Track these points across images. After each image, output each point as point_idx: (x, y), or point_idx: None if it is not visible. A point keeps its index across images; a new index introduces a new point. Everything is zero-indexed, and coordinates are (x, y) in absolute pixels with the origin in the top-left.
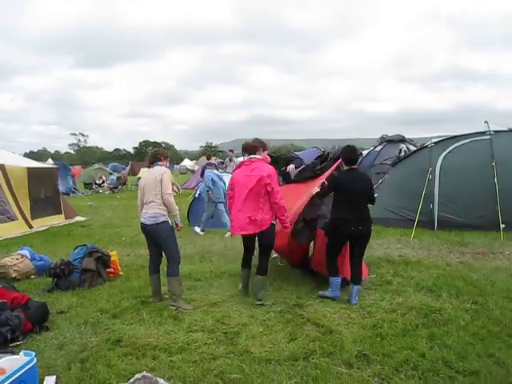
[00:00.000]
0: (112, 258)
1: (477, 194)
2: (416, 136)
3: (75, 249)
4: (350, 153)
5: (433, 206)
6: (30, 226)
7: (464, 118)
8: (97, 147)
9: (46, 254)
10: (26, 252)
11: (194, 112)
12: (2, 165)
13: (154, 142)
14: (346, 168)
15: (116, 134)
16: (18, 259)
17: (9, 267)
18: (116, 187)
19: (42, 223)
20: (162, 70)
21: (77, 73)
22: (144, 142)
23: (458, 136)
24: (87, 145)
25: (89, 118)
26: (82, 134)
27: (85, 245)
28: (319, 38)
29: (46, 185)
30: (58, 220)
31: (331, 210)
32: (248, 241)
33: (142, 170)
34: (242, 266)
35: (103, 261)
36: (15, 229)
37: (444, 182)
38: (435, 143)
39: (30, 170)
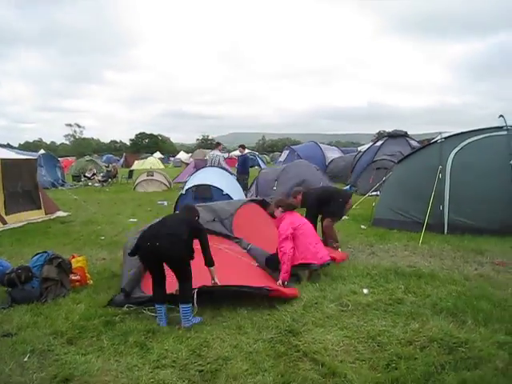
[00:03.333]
0: (79, 264)
1: (492, 194)
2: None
3: (34, 256)
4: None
5: (443, 207)
6: (4, 222)
7: (374, 115)
8: (92, 138)
9: (13, 256)
10: None
11: (109, 108)
12: None
13: (151, 134)
14: None
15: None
16: None
17: None
18: (106, 180)
19: (17, 219)
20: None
21: None
22: (140, 134)
23: (470, 131)
24: (83, 136)
25: (12, 112)
26: (78, 125)
27: (45, 251)
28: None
29: (22, 177)
30: (36, 215)
31: None
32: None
33: (136, 162)
34: None
35: (64, 268)
36: None
37: (455, 182)
38: (445, 138)
39: (4, 162)
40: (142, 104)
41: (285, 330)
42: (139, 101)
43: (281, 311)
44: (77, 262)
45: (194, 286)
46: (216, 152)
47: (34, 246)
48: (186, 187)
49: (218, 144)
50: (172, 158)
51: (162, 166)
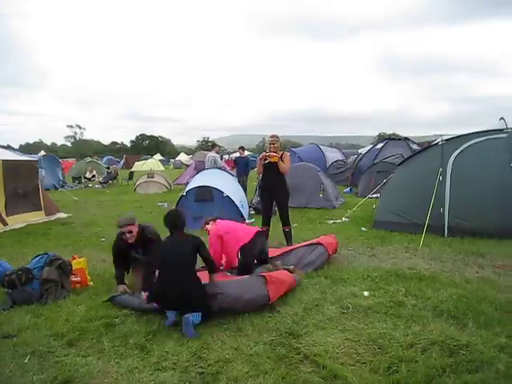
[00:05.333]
0: (80, 266)
1: (493, 197)
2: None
3: (34, 257)
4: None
5: (443, 210)
6: (5, 223)
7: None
8: (93, 140)
9: (14, 257)
10: None
11: (60, 110)
12: None
13: (151, 136)
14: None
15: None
16: None
17: None
18: (106, 182)
19: (18, 220)
20: None
21: None
22: (141, 135)
23: (471, 134)
24: (83, 137)
25: None
26: (79, 127)
27: (46, 253)
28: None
29: (23, 179)
30: (37, 217)
31: None
32: None
33: (136, 163)
34: None
35: (64, 269)
36: None
37: (456, 184)
38: (446, 141)
39: (6, 163)
40: (91, 107)
41: (285, 332)
42: (87, 103)
43: (281, 313)
44: (77, 264)
45: None
46: (212, 153)
47: (34, 248)
48: (187, 189)
49: (214, 145)
50: (172, 160)
51: (162, 168)
